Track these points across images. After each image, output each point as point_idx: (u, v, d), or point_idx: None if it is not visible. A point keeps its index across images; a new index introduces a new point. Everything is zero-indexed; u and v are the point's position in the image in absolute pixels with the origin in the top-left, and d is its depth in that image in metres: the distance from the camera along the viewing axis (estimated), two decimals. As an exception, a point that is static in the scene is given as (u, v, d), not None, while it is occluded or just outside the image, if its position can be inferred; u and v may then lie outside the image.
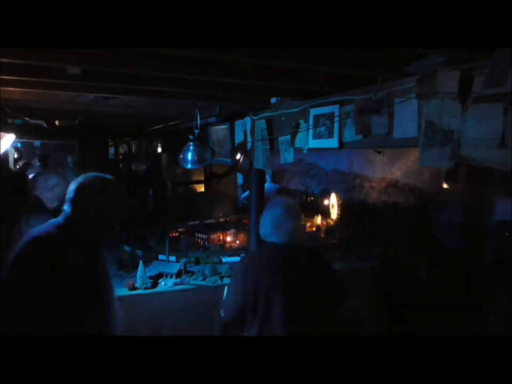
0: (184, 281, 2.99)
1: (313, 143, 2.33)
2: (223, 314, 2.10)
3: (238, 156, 3.31)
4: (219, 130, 3.72)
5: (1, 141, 3.26)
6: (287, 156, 2.62)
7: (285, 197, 2.19)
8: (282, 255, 1.98)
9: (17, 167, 6.82)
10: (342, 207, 4.64)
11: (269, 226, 2.00)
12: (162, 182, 5.44)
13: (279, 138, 2.67)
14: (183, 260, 3.20)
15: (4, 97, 2.38)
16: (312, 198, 5.64)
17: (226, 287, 2.26)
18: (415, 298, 3.37)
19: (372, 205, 4.78)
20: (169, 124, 4.28)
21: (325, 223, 4.57)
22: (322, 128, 2.22)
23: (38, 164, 6.91)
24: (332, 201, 4.71)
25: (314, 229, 4.38)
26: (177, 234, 4.20)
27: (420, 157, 1.60)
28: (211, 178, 5.23)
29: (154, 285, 2.90)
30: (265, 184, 3.64)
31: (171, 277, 3.01)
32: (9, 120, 3.47)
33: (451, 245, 3.67)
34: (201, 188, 5.88)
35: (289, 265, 1.96)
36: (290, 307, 1.91)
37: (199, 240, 3.98)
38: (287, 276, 1.93)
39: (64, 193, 1.60)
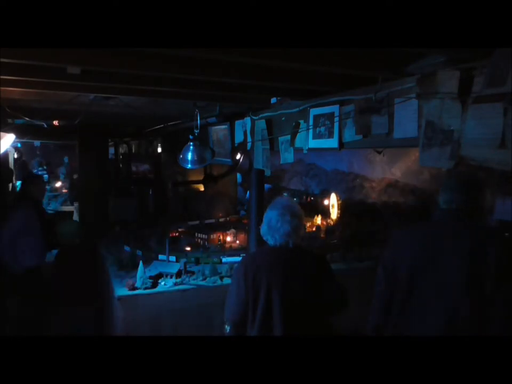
0: (184, 281, 3.00)
1: (313, 143, 2.33)
2: (226, 319, 2.00)
3: (238, 156, 3.31)
4: (219, 130, 3.72)
5: (1, 141, 3.25)
6: (287, 156, 2.62)
7: (287, 198, 2.13)
8: (280, 257, 1.97)
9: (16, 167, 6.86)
10: (342, 207, 4.63)
11: (265, 227, 2.00)
12: (162, 182, 5.44)
13: (279, 138, 2.67)
14: (183, 260, 3.20)
15: (4, 97, 2.37)
16: (312, 198, 5.63)
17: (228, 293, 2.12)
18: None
19: (371, 205, 4.77)
20: (169, 124, 4.28)
21: (325, 223, 4.57)
22: (322, 128, 2.22)
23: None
24: (332, 201, 4.70)
25: (314, 229, 4.38)
26: (177, 234, 4.20)
27: (420, 157, 1.60)
28: (209, 179, 5.22)
29: (154, 285, 2.90)
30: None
31: (171, 277, 3.01)
32: (9, 120, 3.47)
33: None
34: (201, 188, 5.88)
35: (286, 267, 1.94)
36: (289, 309, 1.89)
37: (199, 240, 3.98)
38: (284, 278, 1.91)
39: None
